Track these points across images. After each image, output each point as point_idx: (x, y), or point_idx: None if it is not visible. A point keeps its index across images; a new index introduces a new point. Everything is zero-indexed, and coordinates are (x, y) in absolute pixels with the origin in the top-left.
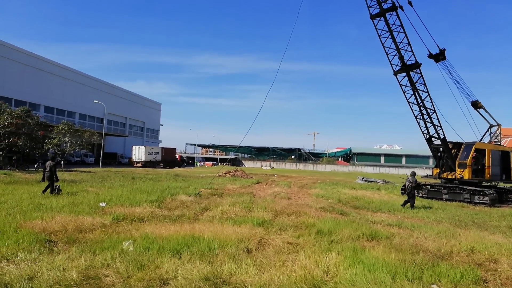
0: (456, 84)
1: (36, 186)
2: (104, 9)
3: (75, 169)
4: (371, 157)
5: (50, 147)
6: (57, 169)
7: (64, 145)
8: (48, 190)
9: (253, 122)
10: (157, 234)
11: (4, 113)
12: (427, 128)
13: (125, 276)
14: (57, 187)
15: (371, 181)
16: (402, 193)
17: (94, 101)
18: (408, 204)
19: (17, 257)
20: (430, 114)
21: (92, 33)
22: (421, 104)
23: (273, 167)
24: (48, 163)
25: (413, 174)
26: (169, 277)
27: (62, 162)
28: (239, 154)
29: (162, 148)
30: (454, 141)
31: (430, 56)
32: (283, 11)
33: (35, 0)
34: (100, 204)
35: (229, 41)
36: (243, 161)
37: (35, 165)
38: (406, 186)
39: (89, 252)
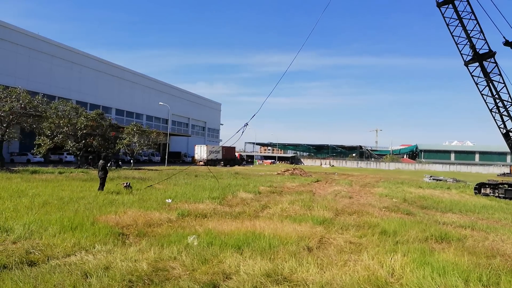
0: None
1: (109, 183)
2: (165, 16)
3: (143, 167)
4: (439, 154)
5: (121, 147)
6: (108, 168)
7: (133, 145)
8: (106, 186)
9: (260, 107)
10: (220, 230)
11: (81, 116)
12: (503, 122)
13: (191, 269)
14: (128, 183)
15: (440, 180)
16: (476, 193)
17: (159, 103)
18: None
19: (94, 248)
20: (507, 106)
21: (156, 38)
22: (496, 96)
23: (333, 165)
24: (100, 162)
25: None
26: (231, 271)
27: (114, 162)
28: (298, 152)
29: (223, 147)
30: None
31: (506, 43)
32: (341, 6)
33: (106, 10)
34: (167, 200)
35: (286, 39)
36: (302, 159)
37: (108, 164)
38: None
39: (158, 245)
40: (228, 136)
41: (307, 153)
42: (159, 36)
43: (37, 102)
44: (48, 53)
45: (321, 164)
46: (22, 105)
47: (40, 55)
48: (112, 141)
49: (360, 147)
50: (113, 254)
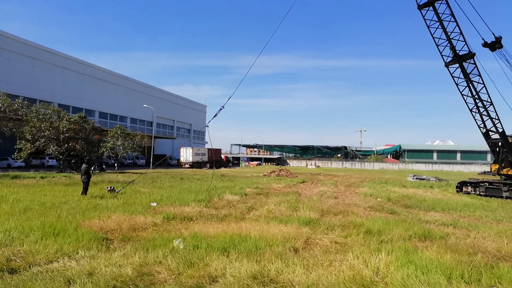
0: None
1: (93, 187)
2: (151, 19)
3: (127, 170)
4: (422, 154)
5: (104, 150)
6: (92, 172)
7: (118, 148)
8: (94, 191)
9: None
10: (206, 233)
11: (63, 119)
12: (483, 122)
13: (176, 273)
14: (112, 187)
15: (423, 179)
16: (458, 191)
17: (144, 105)
18: None
19: (78, 254)
20: (487, 106)
21: (141, 41)
22: (476, 96)
23: (318, 166)
24: (83, 166)
25: None
26: (218, 274)
27: (98, 166)
28: (284, 153)
29: (209, 149)
30: None
31: (485, 45)
32: (326, 9)
33: (89, 13)
34: (152, 204)
35: (272, 41)
36: (288, 161)
37: (92, 168)
38: None
39: (143, 250)
40: (214, 138)
41: (293, 154)
42: (145, 39)
43: (17, 105)
44: (29, 55)
45: (306, 165)
46: (2, 109)
47: (21, 57)
48: (95, 144)
49: (345, 147)
50: (97, 259)
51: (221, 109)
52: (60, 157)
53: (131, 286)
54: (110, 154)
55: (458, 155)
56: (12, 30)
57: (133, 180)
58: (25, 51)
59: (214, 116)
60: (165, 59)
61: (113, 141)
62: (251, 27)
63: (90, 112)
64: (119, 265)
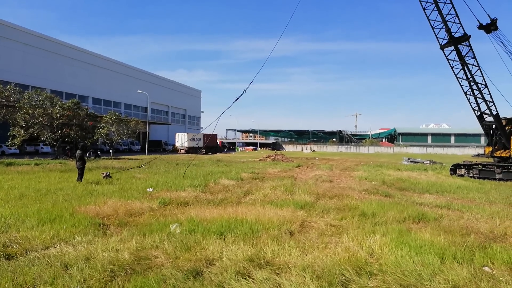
0: (510, 56)
1: (88, 174)
2: (144, 2)
3: (123, 156)
4: (417, 137)
5: (99, 136)
6: (87, 158)
7: (112, 134)
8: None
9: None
10: (202, 217)
11: (56, 106)
12: (478, 105)
13: (173, 257)
14: (108, 173)
15: (418, 162)
16: (451, 174)
17: (138, 91)
18: None
19: (74, 239)
20: (481, 89)
21: (135, 25)
22: (471, 79)
23: (314, 150)
24: (78, 152)
25: None
26: (214, 258)
27: (93, 152)
28: (279, 138)
29: (204, 135)
30: (508, 117)
31: (481, 27)
32: None
33: None
34: (148, 189)
35: (268, 24)
36: (283, 145)
37: (87, 154)
38: None
39: (139, 235)
40: (209, 123)
41: (289, 139)
42: (138, 22)
43: (9, 92)
44: (20, 41)
45: (302, 150)
46: None
47: (12, 43)
48: (89, 130)
49: (340, 131)
50: (93, 244)
51: (243, 93)
52: (55, 143)
53: (128, 270)
54: (105, 140)
55: (452, 138)
56: (0, 15)
57: (145, 163)
58: (16, 36)
59: (236, 100)
60: (157, 43)
61: (108, 127)
62: (245, 11)
63: (83, 98)
64: (116, 250)
